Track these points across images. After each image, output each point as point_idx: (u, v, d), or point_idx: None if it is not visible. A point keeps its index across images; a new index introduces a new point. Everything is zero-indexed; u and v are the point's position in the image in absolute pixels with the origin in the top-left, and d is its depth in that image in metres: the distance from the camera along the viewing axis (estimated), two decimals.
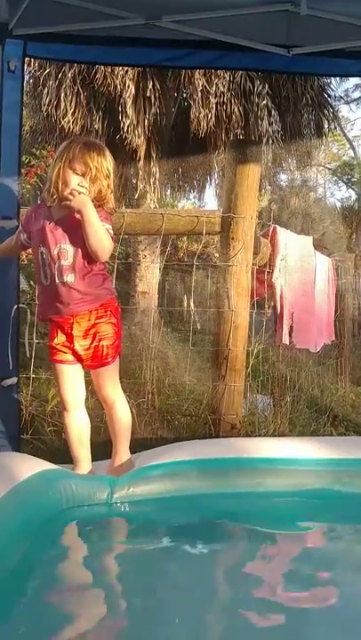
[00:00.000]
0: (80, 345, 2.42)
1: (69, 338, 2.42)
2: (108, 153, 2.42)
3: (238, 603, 1.82)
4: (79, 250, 2.35)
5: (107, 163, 2.38)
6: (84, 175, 2.34)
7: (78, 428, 2.48)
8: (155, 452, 2.67)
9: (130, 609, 1.74)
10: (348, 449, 2.93)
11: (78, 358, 2.45)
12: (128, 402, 3.73)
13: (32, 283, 4.92)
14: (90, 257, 2.35)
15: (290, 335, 4.13)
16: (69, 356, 2.44)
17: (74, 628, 1.62)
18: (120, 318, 2.53)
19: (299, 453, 2.78)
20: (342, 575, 2.02)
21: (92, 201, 2.33)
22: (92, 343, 2.41)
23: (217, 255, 4.56)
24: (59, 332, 2.44)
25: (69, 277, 2.36)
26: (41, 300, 2.50)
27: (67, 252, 2.36)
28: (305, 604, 1.80)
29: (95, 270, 2.40)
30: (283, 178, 18.70)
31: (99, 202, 2.38)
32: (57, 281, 2.36)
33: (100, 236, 2.31)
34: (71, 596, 1.81)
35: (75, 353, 2.43)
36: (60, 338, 2.43)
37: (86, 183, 2.34)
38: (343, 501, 2.60)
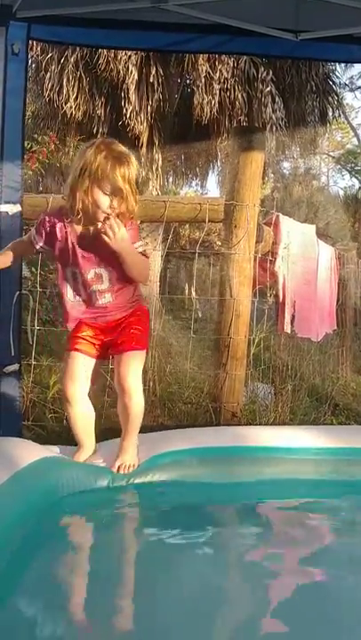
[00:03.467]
0: (109, 337, 2.41)
1: (98, 332, 2.41)
2: (133, 161, 2.26)
3: (237, 592, 1.82)
4: (114, 271, 2.28)
5: (134, 174, 2.22)
6: (114, 195, 2.17)
7: (84, 418, 2.47)
8: (155, 439, 2.69)
9: (127, 593, 1.75)
10: (348, 438, 2.94)
11: (100, 353, 2.44)
12: None
13: (33, 269, 4.91)
14: (126, 276, 2.29)
15: (291, 324, 4.12)
16: (92, 350, 2.42)
17: (72, 611, 1.63)
18: (148, 322, 2.51)
19: (299, 442, 2.79)
20: (339, 563, 2.02)
21: (118, 216, 2.20)
22: (122, 330, 2.38)
23: (219, 243, 4.54)
24: (88, 328, 2.41)
25: (106, 298, 2.33)
26: (70, 311, 2.41)
27: (102, 276, 2.30)
28: (300, 590, 1.81)
29: (128, 284, 2.37)
30: (286, 166, 18.61)
31: (127, 217, 2.24)
32: (92, 302, 2.34)
33: (140, 266, 2.28)
34: (69, 585, 1.81)
35: (99, 346, 2.42)
36: (88, 332, 2.41)
37: (116, 202, 2.19)
38: (342, 490, 2.61)
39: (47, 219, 2.34)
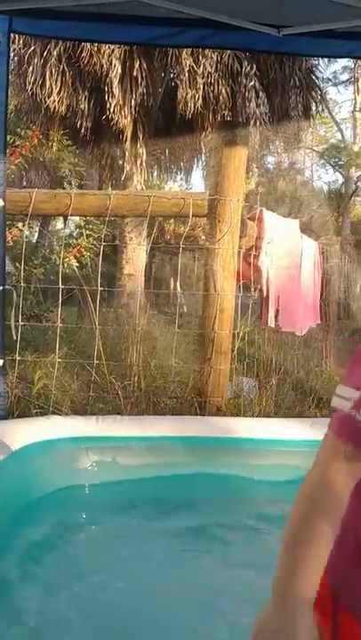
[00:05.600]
0: None
1: None
2: None
3: (214, 585, 1.84)
4: None
5: None
6: None
7: None
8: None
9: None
10: None
11: None
12: (114, 384, 3.76)
13: (17, 264, 4.89)
14: None
15: (276, 318, 4.14)
16: None
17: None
18: None
19: (281, 434, 2.82)
20: None
21: None
22: None
23: (204, 238, 4.54)
24: None
25: None
26: None
27: None
28: None
29: None
30: (270, 160, 18.65)
31: None
32: None
33: None
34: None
35: None
36: None
37: None
38: None
39: None
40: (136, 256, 9.69)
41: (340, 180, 23.15)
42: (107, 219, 4.15)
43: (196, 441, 2.77)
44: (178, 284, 4.41)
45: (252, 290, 4.31)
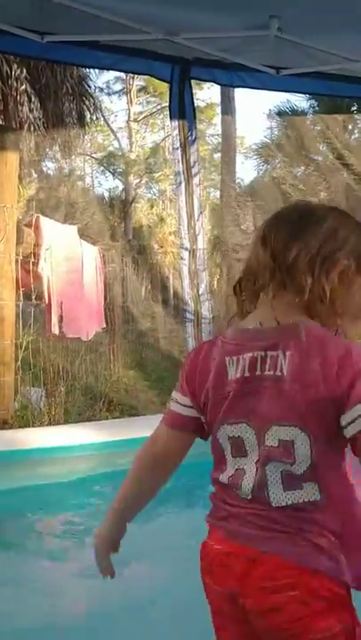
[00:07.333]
0: None
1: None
2: None
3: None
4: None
5: None
6: None
7: None
8: None
9: None
10: (120, 430, 3.07)
11: None
12: None
13: None
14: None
15: (60, 325, 4.12)
16: None
17: None
18: None
19: (72, 440, 2.84)
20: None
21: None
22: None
23: None
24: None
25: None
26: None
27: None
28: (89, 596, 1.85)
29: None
30: (50, 166, 18.49)
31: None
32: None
33: None
34: None
35: None
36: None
37: None
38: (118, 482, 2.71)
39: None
40: None
41: (120, 186, 23.85)
42: None
43: None
44: None
45: (33, 297, 4.25)
